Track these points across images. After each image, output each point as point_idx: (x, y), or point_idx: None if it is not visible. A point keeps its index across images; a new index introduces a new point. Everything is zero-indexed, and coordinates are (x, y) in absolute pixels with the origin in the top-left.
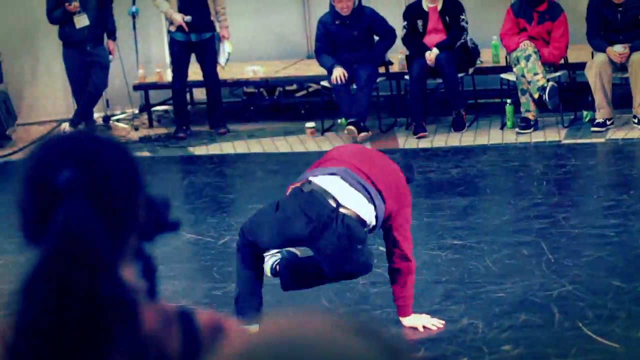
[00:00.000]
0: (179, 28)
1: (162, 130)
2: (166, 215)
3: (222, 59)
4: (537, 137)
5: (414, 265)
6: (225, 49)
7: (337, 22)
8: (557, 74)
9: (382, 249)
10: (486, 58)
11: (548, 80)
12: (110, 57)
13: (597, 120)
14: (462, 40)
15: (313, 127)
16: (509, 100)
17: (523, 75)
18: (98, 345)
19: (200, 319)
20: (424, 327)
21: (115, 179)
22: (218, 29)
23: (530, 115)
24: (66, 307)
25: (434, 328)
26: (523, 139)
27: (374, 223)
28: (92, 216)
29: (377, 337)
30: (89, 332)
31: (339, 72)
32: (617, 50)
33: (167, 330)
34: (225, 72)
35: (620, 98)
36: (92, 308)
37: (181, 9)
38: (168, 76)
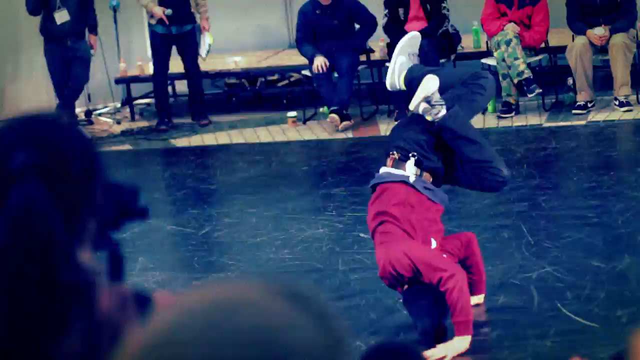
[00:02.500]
0: (160, 21)
1: (144, 123)
2: (133, 203)
3: (203, 51)
4: (518, 121)
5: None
6: (206, 40)
7: (317, 12)
8: (538, 57)
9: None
10: (467, 44)
11: (529, 65)
12: (92, 51)
13: (578, 103)
14: (444, 28)
15: (295, 117)
16: None
17: (504, 60)
18: (52, 328)
19: (157, 300)
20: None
21: (71, 162)
22: (198, 21)
23: (511, 100)
24: (19, 291)
25: None
26: (504, 123)
27: None
28: (47, 199)
29: (306, 303)
30: (43, 316)
31: (320, 61)
32: (597, 32)
33: (123, 312)
34: (207, 63)
35: (601, 80)
36: (46, 292)
37: (161, 2)
38: (149, 69)
